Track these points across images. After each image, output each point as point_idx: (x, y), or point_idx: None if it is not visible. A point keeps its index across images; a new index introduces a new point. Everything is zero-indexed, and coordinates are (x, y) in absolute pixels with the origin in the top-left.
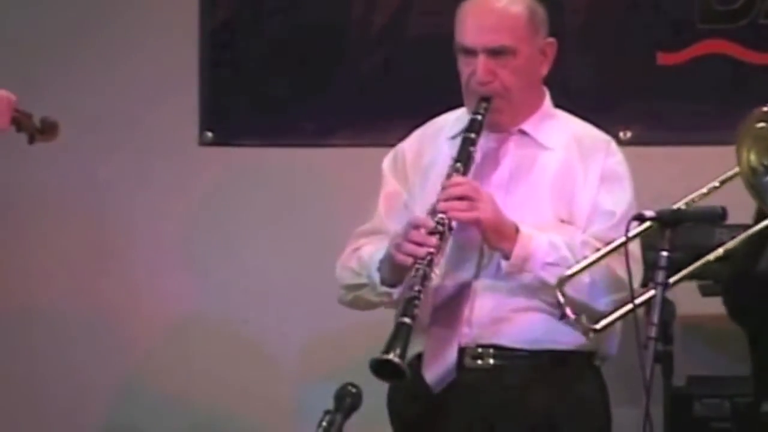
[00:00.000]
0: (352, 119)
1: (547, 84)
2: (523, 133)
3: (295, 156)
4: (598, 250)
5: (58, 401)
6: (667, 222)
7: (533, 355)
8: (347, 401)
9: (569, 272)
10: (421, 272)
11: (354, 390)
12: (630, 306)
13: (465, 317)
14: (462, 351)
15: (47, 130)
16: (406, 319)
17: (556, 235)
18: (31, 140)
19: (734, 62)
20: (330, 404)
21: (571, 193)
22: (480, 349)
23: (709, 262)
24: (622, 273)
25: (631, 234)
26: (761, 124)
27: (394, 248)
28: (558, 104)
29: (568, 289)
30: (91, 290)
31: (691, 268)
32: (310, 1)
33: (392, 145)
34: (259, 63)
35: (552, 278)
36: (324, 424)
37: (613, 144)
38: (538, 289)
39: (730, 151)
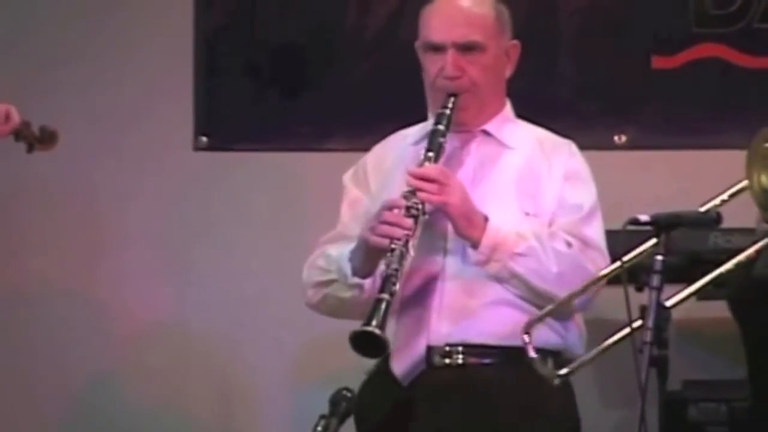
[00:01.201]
0: (347, 123)
1: (542, 87)
2: (485, 133)
3: (291, 160)
4: (566, 241)
5: (53, 406)
6: (662, 226)
7: (502, 353)
8: (342, 406)
9: (540, 314)
10: (398, 252)
11: (349, 395)
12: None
13: (434, 308)
14: (430, 349)
15: (46, 139)
16: (385, 295)
17: (525, 228)
18: (30, 149)
19: (729, 66)
20: (325, 409)
21: (535, 187)
22: (448, 348)
23: (703, 267)
24: (590, 267)
25: (626, 238)
26: None
27: (369, 231)
28: (553, 107)
29: (535, 278)
30: (85, 293)
31: (693, 289)
32: (304, 6)
33: None
34: (253, 67)
35: (520, 267)
36: (319, 428)
37: (574, 146)
38: (507, 281)
39: (724, 155)
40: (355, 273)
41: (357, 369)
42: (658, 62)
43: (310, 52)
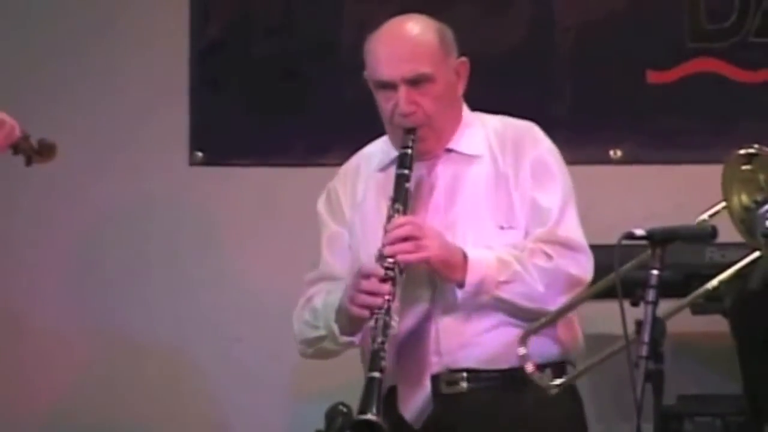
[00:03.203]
0: (343, 138)
1: (537, 102)
2: (448, 150)
3: (287, 175)
4: (546, 254)
5: (42, 417)
6: (658, 240)
7: (506, 375)
8: (338, 421)
9: (535, 325)
10: (381, 322)
11: (345, 409)
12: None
13: (432, 349)
14: (435, 378)
15: (45, 151)
16: (376, 374)
17: (504, 251)
18: (29, 162)
19: (724, 81)
20: (321, 424)
21: (506, 196)
22: (453, 374)
23: (699, 281)
24: (574, 271)
25: (619, 252)
26: (746, 167)
27: (349, 301)
28: (549, 122)
29: (524, 301)
30: (81, 306)
31: (687, 300)
32: (300, 21)
33: None
34: (249, 82)
35: (507, 294)
36: None
37: (535, 129)
38: (498, 307)
39: (720, 170)
40: (343, 332)
41: (353, 384)
42: (653, 77)
43: (306, 67)
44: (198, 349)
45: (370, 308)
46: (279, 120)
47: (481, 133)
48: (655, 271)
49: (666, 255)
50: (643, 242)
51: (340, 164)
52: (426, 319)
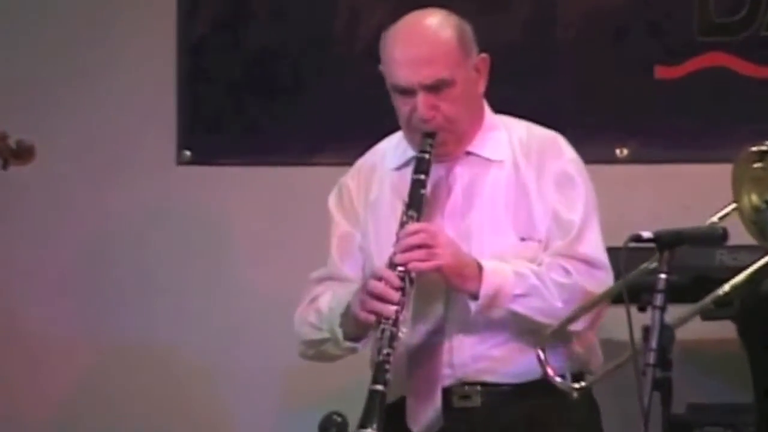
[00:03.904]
0: (339, 136)
1: (540, 99)
2: (468, 153)
3: (279, 176)
4: (565, 269)
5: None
6: (666, 243)
7: (521, 389)
8: (332, 431)
9: (552, 329)
10: (387, 333)
11: (339, 419)
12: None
13: (445, 360)
14: (447, 391)
15: (23, 153)
16: (379, 387)
17: (521, 264)
18: (5, 165)
19: (735, 76)
20: None
21: (527, 207)
22: (466, 387)
23: (709, 286)
24: (593, 288)
25: (625, 255)
26: (757, 165)
27: (359, 305)
28: (552, 119)
29: (539, 316)
30: (68, 313)
31: (697, 307)
32: (292, 15)
33: None
34: (240, 78)
35: (523, 309)
36: None
37: (560, 140)
38: (512, 321)
39: (731, 169)
40: (347, 337)
41: (347, 392)
42: (661, 72)
43: (298, 63)
44: (187, 357)
45: (378, 315)
46: (272, 117)
47: (504, 137)
48: (662, 275)
49: (674, 258)
50: (651, 245)
51: (338, 163)
52: (439, 332)
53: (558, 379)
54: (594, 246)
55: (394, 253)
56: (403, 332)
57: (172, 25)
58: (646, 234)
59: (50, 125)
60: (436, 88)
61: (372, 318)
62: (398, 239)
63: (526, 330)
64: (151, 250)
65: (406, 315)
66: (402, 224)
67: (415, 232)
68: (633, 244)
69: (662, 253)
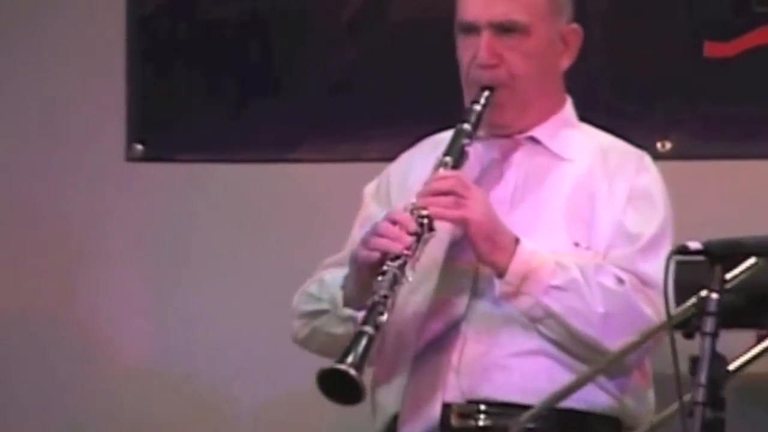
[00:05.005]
0: (320, 128)
1: (570, 83)
2: (533, 140)
3: (250, 173)
4: (618, 277)
5: None
6: (718, 256)
7: (535, 416)
8: None
9: (591, 371)
10: (390, 274)
11: None
12: None
13: (452, 365)
14: (447, 407)
15: None
16: (368, 327)
17: (567, 257)
18: None
19: None
20: None
21: (590, 212)
22: (468, 405)
23: None
24: (647, 309)
25: (669, 270)
26: None
27: (361, 244)
28: (583, 108)
29: (575, 319)
30: (15, 328)
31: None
32: None
33: (370, 160)
34: (203, 58)
35: (556, 304)
36: None
37: (647, 158)
38: (541, 321)
39: None
40: (348, 303)
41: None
42: (711, 49)
43: (272, 37)
44: (145, 383)
45: (384, 253)
46: (241, 104)
47: (579, 137)
48: (714, 295)
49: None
50: (700, 258)
51: (318, 159)
52: (455, 326)
53: None
54: (657, 269)
55: (417, 196)
56: (409, 281)
57: None
58: (694, 244)
59: None
60: (505, 30)
61: (375, 255)
62: (425, 184)
63: (550, 342)
64: (98, 260)
65: (414, 265)
66: (435, 169)
67: (445, 178)
68: (678, 257)
69: (713, 267)
